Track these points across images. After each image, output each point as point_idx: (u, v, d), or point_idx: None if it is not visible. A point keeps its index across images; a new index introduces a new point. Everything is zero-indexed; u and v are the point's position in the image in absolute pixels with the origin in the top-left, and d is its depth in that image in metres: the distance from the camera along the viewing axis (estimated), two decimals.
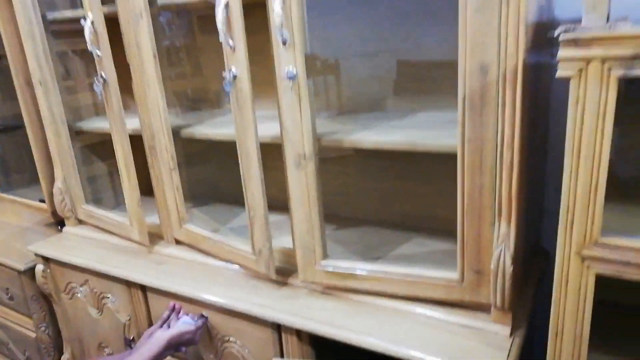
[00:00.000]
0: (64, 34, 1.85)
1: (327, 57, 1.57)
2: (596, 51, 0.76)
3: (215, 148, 1.74)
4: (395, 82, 1.50)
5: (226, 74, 1.22)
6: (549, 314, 0.94)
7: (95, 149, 2.03)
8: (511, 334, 1.12)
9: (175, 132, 1.60)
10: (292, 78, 1.15)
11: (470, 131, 1.02)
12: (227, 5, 1.15)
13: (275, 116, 1.25)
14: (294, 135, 1.21)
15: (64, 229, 2.02)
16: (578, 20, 1.22)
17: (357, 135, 1.27)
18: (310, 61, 1.18)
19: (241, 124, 1.27)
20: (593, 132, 0.80)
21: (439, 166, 1.25)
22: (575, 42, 0.77)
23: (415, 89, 1.47)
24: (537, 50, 1.05)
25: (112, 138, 1.64)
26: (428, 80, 1.44)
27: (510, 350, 1.09)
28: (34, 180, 2.39)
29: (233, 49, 1.19)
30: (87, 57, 1.81)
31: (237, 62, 1.20)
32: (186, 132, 1.61)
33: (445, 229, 1.53)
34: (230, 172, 1.94)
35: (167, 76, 1.55)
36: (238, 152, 1.33)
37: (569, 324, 0.93)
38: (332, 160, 1.59)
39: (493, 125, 1.00)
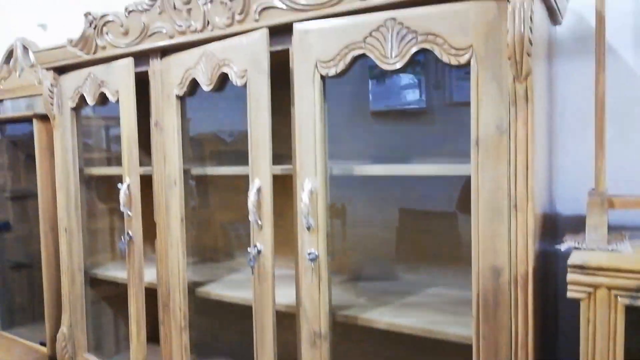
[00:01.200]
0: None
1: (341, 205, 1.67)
2: (602, 279, 0.83)
3: (219, 302, 1.77)
4: (406, 250, 1.57)
5: (251, 249, 1.29)
6: None
7: (104, 291, 2.04)
8: None
9: (190, 289, 1.64)
10: (314, 260, 1.22)
11: (485, 328, 1.06)
12: (259, 190, 1.27)
13: (290, 277, 1.31)
14: (311, 314, 1.25)
15: None
16: (577, 218, 1.33)
17: (371, 313, 1.30)
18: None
19: (260, 299, 1.31)
20: (605, 351, 0.84)
21: (450, 345, 1.27)
22: (582, 268, 0.85)
23: (425, 252, 1.54)
24: (543, 241, 1.13)
25: (128, 292, 1.67)
26: (440, 250, 1.51)
27: None
28: (37, 319, 2.37)
29: (260, 227, 1.28)
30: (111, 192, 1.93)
31: (262, 240, 1.29)
32: (201, 291, 1.65)
33: None
34: (237, 326, 1.94)
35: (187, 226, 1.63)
36: (253, 321, 1.35)
37: None
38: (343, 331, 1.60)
39: (507, 324, 1.04)
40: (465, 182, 1.40)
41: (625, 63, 1.30)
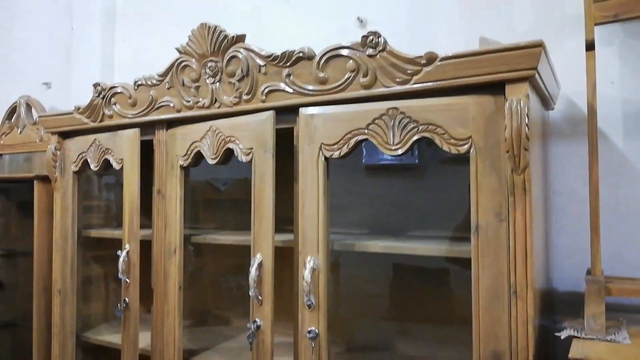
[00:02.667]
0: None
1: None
2: None
3: None
4: (402, 316, 1.57)
5: (250, 325, 1.29)
6: None
7: (96, 357, 2.00)
8: None
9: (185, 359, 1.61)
10: (314, 339, 1.22)
11: None
12: (260, 265, 1.28)
13: (286, 345, 1.32)
14: None
15: None
16: (573, 295, 1.35)
17: None
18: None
19: None
20: None
21: None
22: None
23: (420, 317, 1.54)
24: (541, 317, 1.14)
25: (122, 358, 1.64)
26: (437, 316, 1.51)
27: None
28: None
29: (260, 302, 1.29)
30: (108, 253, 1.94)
31: (262, 316, 1.29)
32: None
33: None
34: None
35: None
36: None
37: None
38: None
39: None
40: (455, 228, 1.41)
41: (616, 148, 1.36)
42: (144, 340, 1.67)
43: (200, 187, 2.00)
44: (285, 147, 1.31)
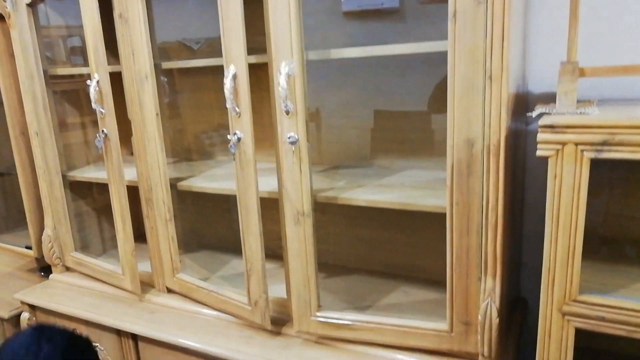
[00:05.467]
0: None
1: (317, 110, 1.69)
2: (570, 136, 0.88)
3: (201, 197, 1.80)
4: (381, 139, 1.62)
5: (231, 137, 1.31)
6: None
7: (85, 194, 2.06)
8: None
9: (172, 185, 1.66)
10: (294, 143, 1.24)
11: (458, 195, 1.13)
12: (235, 76, 1.25)
13: (269, 169, 1.34)
14: (294, 195, 1.30)
15: (51, 276, 2.03)
16: (547, 95, 1.38)
17: (350, 193, 1.37)
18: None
19: (243, 183, 1.35)
20: (569, 203, 0.92)
21: (424, 219, 1.35)
22: (552, 128, 0.90)
23: (400, 146, 1.59)
24: (515, 118, 1.18)
25: (110, 190, 1.69)
26: (411, 137, 1.56)
27: None
28: (18, 225, 2.40)
29: (239, 114, 1.29)
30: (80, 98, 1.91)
31: (242, 127, 1.30)
32: (183, 185, 1.68)
33: (429, 278, 1.63)
34: (218, 219, 2.01)
35: (163, 128, 1.62)
36: (238, 207, 1.40)
37: None
38: (321, 209, 1.67)
39: (479, 190, 1.11)
40: (440, 82, 1.42)
41: None
42: (129, 175, 1.69)
43: (173, 47, 1.90)
44: None
